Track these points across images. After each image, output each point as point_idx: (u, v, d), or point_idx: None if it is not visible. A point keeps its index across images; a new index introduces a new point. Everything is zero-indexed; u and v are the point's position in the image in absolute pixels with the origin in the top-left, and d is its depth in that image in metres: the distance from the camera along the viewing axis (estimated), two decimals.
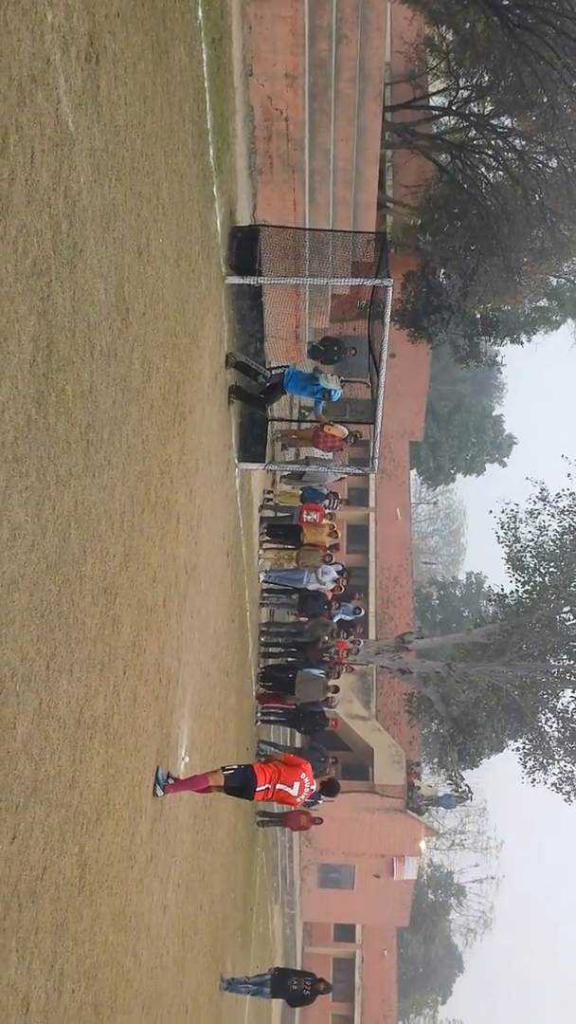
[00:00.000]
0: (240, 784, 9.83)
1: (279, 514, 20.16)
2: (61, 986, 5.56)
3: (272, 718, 21.55)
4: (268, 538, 19.86)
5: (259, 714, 20.47)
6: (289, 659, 20.92)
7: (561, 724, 29.07)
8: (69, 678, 5.51)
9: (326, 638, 19.59)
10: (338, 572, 20.00)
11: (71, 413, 5.31)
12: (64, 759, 5.46)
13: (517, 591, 29.96)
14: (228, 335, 13.32)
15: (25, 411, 4.58)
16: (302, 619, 20.76)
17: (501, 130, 29.66)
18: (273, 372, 15.56)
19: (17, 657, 4.62)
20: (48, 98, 4.78)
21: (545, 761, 29.23)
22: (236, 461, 15.23)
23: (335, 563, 20.03)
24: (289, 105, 14.96)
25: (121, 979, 7.24)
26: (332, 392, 15.86)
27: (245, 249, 13.48)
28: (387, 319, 13.89)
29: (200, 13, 9.65)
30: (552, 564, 29.04)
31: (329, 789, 11.75)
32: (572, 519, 29.26)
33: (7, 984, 4.66)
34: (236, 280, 13.23)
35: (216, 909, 14.42)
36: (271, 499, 20.42)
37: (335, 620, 20.66)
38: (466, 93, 31.37)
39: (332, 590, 20.47)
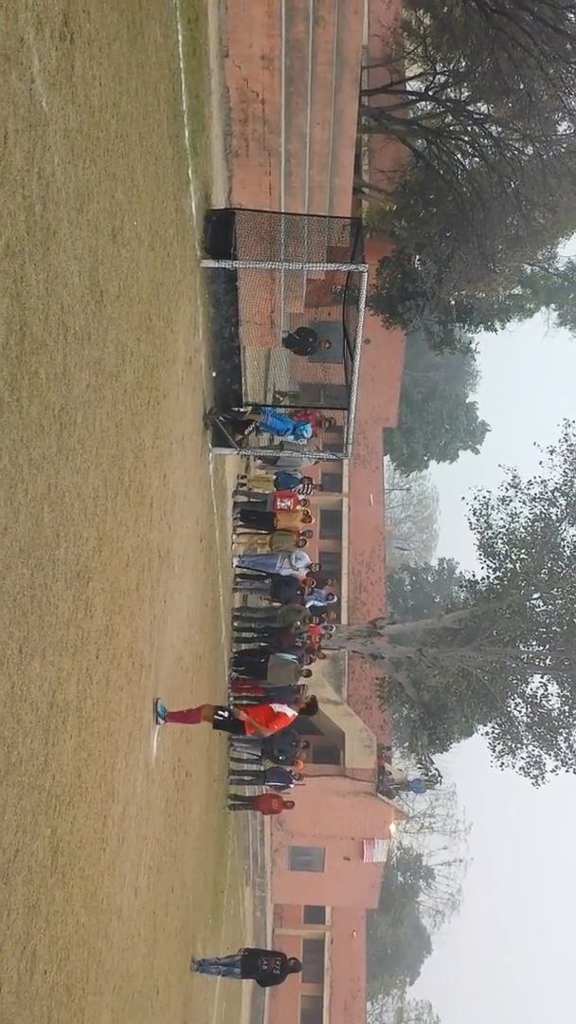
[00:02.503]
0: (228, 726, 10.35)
1: (253, 500, 20.15)
2: (33, 967, 5.58)
3: (244, 703, 21.58)
4: (241, 523, 19.85)
5: (231, 700, 20.51)
6: (262, 644, 20.94)
7: (529, 709, 29.31)
8: (42, 662, 5.50)
9: (298, 624, 19.62)
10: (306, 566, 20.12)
11: (44, 396, 5.29)
12: (37, 742, 5.46)
13: (488, 577, 30.12)
14: (203, 319, 13.28)
15: None
16: (275, 604, 20.78)
17: (477, 116, 29.67)
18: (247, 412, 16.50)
19: None
20: (21, 78, 4.74)
21: (513, 745, 29.47)
22: (210, 446, 15.21)
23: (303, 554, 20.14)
24: (265, 87, 14.87)
25: (93, 960, 7.27)
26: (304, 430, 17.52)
27: (220, 232, 13.42)
28: (362, 305, 13.89)
29: None
30: (523, 551, 29.21)
31: (310, 709, 12.09)
32: (543, 506, 29.43)
33: None
34: (211, 264, 13.18)
35: (187, 892, 14.48)
36: (245, 484, 20.40)
37: (307, 606, 20.70)
38: (443, 78, 31.35)
39: (305, 577, 20.52)
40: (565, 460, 29.32)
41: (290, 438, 17.49)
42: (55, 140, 5.34)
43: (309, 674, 21.82)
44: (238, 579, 20.69)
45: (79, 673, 6.46)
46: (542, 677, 29.05)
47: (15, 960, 5.24)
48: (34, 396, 5.09)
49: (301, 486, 18.96)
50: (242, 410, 16.20)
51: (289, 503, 19.15)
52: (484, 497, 30.80)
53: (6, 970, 5.10)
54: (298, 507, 19.43)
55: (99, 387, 6.66)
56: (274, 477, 18.94)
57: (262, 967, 16.86)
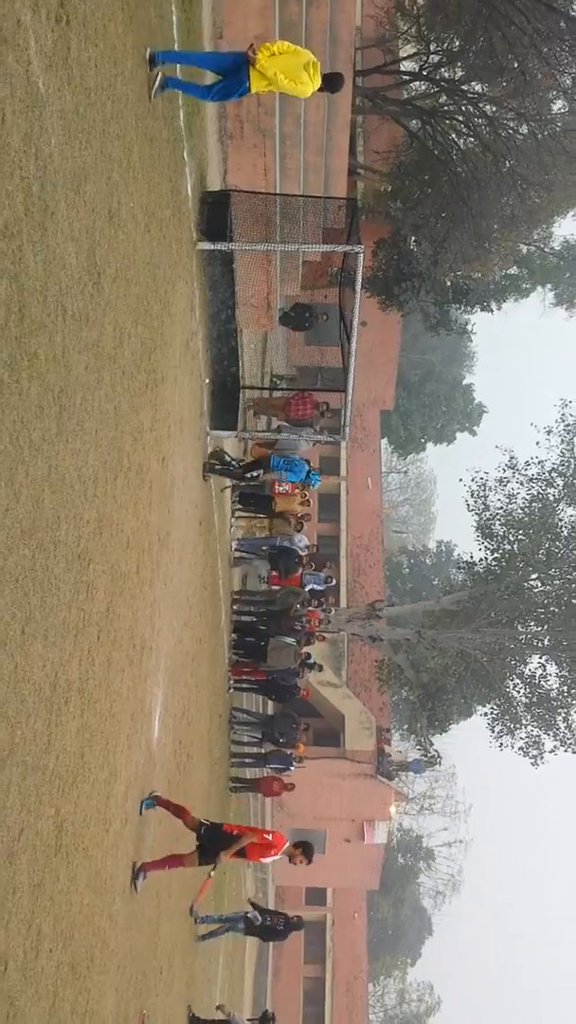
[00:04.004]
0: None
1: (251, 483, 20.15)
2: (39, 945, 5.63)
3: (245, 687, 21.69)
4: (240, 506, 19.87)
5: (232, 682, 20.60)
6: (261, 627, 21.01)
7: (528, 690, 29.42)
8: (44, 643, 5.53)
9: (298, 606, 19.70)
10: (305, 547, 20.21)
11: (43, 377, 5.30)
12: (40, 723, 5.50)
13: (486, 559, 30.20)
14: (200, 302, 13.26)
15: None
16: (274, 588, 20.81)
17: (472, 96, 29.54)
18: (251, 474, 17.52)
19: None
20: (19, 59, 4.73)
21: (512, 726, 29.61)
22: (208, 429, 15.21)
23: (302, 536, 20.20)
24: None
25: (97, 939, 7.33)
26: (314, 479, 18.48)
27: (216, 214, 13.38)
28: (358, 286, 13.86)
29: None
30: (521, 532, 29.28)
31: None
32: (541, 487, 29.48)
33: None
34: (207, 246, 13.14)
35: (189, 873, 14.55)
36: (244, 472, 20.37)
37: (306, 589, 20.75)
38: (437, 58, 31.19)
39: (304, 557, 20.58)
40: (562, 440, 29.37)
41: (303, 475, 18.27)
42: (52, 121, 5.34)
43: (309, 657, 21.95)
44: (237, 552, 20.68)
45: (81, 654, 6.49)
46: (540, 657, 29.16)
47: (21, 938, 5.29)
48: (33, 377, 5.10)
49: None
50: (250, 475, 17.43)
51: (287, 486, 19.15)
52: (482, 478, 30.87)
53: (12, 948, 5.15)
54: (296, 490, 19.44)
55: (98, 369, 6.67)
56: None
57: (265, 922, 17.01)
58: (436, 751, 32.15)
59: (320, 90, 9.57)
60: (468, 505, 31.00)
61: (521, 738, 29.59)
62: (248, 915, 16.75)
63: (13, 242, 4.74)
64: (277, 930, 16.92)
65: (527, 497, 29.76)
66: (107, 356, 7.00)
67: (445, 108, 31.22)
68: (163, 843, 10.78)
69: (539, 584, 29.35)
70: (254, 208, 14.38)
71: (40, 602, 5.40)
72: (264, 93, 9.48)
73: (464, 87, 30.11)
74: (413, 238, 31.52)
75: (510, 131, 27.60)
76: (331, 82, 9.74)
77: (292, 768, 21.98)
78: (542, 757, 29.56)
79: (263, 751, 22.03)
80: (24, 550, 5.06)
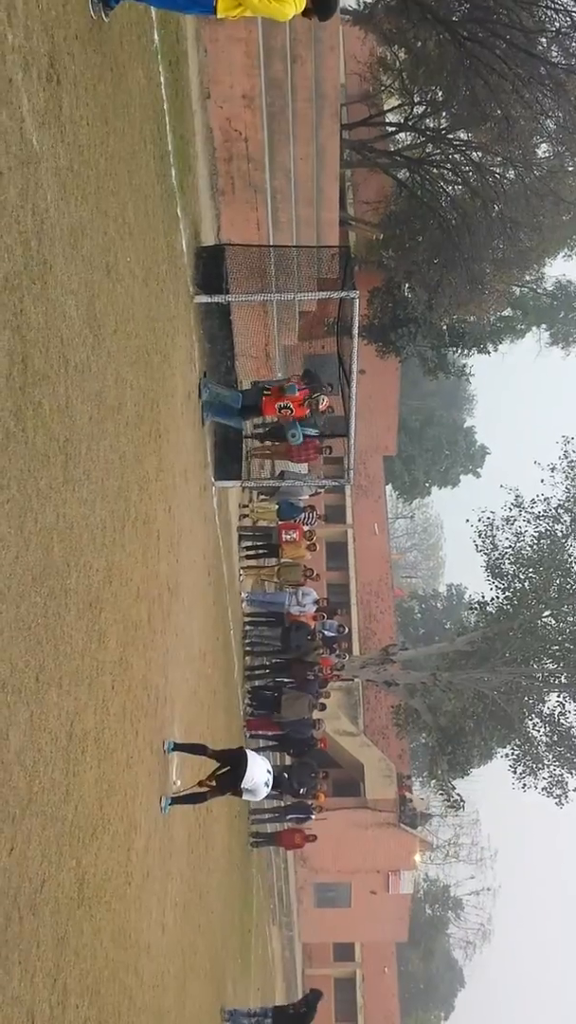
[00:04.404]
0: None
1: (257, 534, 20.20)
2: (65, 1000, 5.55)
3: (261, 743, 21.51)
4: (248, 552, 19.91)
5: (247, 737, 20.44)
6: (276, 679, 20.93)
7: (548, 728, 29.17)
8: (58, 691, 5.53)
9: (317, 652, 19.72)
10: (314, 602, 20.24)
11: (49, 427, 5.36)
12: (57, 772, 5.47)
13: (498, 598, 30.11)
14: (199, 354, 13.41)
15: (3, 424, 4.63)
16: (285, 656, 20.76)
17: (457, 144, 30.08)
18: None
19: (7, 669, 4.64)
20: (12, 116, 4.85)
21: (535, 766, 29.30)
22: (212, 479, 15.28)
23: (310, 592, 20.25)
24: (248, 126, 15.12)
25: (124, 996, 7.22)
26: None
27: (211, 268, 13.59)
28: (355, 331, 14.03)
29: (156, 36, 9.78)
30: (531, 569, 29.23)
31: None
32: (548, 524, 29.49)
33: (12, 997, 4.66)
34: (204, 299, 13.33)
35: (215, 930, 14.35)
36: (247, 514, 20.45)
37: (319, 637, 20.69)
38: (421, 109, 31.82)
39: (314, 613, 20.57)
40: (566, 477, 29.44)
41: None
42: (47, 178, 5.46)
43: (324, 707, 21.80)
44: (247, 627, 20.65)
45: (95, 704, 6.48)
46: (559, 695, 28.93)
47: (47, 992, 5.22)
48: (39, 427, 5.16)
49: (304, 515, 19.02)
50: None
51: (295, 535, 19.20)
52: (488, 518, 30.88)
53: (38, 1003, 5.07)
54: (303, 539, 19.48)
55: (101, 419, 6.74)
56: (276, 507, 19.00)
57: (289, 1012, 16.89)
58: (459, 795, 31.76)
59: (305, 15, 7.40)
60: (476, 545, 30.99)
61: (544, 778, 29.26)
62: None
63: (14, 295, 4.83)
64: (302, 1013, 16.76)
65: (535, 534, 29.76)
66: (110, 407, 7.07)
67: (432, 157, 31.79)
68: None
69: (552, 621, 29.21)
70: (249, 260, 14.59)
71: (53, 650, 5.41)
72: (235, 19, 7.13)
73: (450, 136, 30.69)
74: (407, 284, 31.92)
75: (497, 176, 28.07)
76: (322, 4, 7.21)
77: (312, 819, 21.71)
78: (566, 796, 29.19)
79: (282, 804, 21.78)
80: (36, 597, 5.08)
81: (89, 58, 6.63)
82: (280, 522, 19.19)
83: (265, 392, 14.93)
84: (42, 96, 5.40)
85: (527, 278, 38.92)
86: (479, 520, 30.93)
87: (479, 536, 30.86)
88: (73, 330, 5.99)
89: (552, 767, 29.06)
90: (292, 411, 14.99)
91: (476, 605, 31.76)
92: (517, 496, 30.23)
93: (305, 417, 15.46)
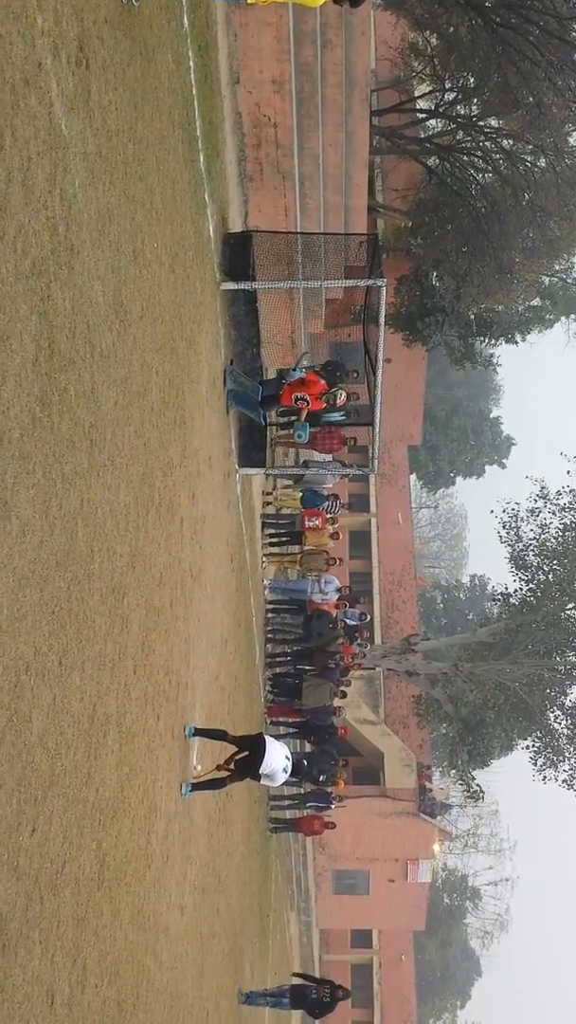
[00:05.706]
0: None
1: (280, 521, 20.22)
2: (84, 980, 5.60)
3: (281, 730, 21.55)
4: (271, 539, 19.93)
5: (268, 724, 20.49)
6: (297, 666, 20.97)
7: (570, 721, 29.07)
8: (81, 675, 5.56)
9: (339, 641, 19.73)
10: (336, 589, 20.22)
11: (74, 412, 5.38)
12: (79, 755, 5.52)
13: (521, 589, 30.01)
14: (224, 341, 13.41)
15: (30, 409, 4.65)
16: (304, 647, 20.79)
17: (488, 131, 29.82)
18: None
19: (31, 651, 4.68)
20: (41, 101, 4.86)
21: (556, 758, 29.21)
22: (236, 467, 15.29)
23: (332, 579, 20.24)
24: (277, 111, 15.06)
25: (143, 977, 7.28)
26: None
27: (238, 255, 13.57)
28: (381, 319, 13.96)
29: (186, 21, 9.75)
30: (555, 561, 29.09)
31: None
32: (573, 516, 29.31)
33: (32, 975, 4.71)
34: (231, 286, 13.32)
35: (233, 914, 14.43)
36: (270, 501, 20.48)
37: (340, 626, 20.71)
38: (452, 96, 31.56)
39: (337, 601, 20.57)
40: None
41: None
42: (75, 163, 5.46)
43: (344, 695, 21.82)
44: (269, 615, 20.68)
45: (118, 688, 6.52)
46: None
47: (66, 972, 5.27)
48: (64, 412, 5.18)
49: (328, 503, 19.01)
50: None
51: (318, 522, 19.20)
52: (513, 509, 30.74)
53: (58, 982, 5.13)
54: (327, 526, 19.48)
55: (126, 405, 6.76)
56: (300, 494, 19.00)
57: (311, 996, 16.69)
58: (479, 786, 31.73)
59: (336, 1, 7.86)
60: (500, 537, 30.87)
61: (565, 770, 29.17)
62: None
63: (41, 280, 4.84)
64: (324, 1003, 16.61)
65: (560, 526, 29.60)
66: (135, 392, 7.09)
67: (462, 144, 31.54)
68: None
69: None
70: (276, 247, 14.56)
71: (76, 634, 5.44)
72: (266, 4, 7.84)
73: (481, 123, 30.43)
74: (435, 273, 31.73)
75: (528, 164, 27.83)
76: None
77: (332, 806, 21.76)
78: None
79: (302, 791, 21.85)
80: (59, 582, 5.11)
81: (118, 43, 6.62)
82: (303, 509, 19.20)
83: (285, 381, 14.93)
84: (71, 81, 5.40)
85: (556, 267, 38.59)
86: (503, 511, 30.82)
87: (503, 527, 30.74)
88: (99, 316, 6.01)
89: (573, 760, 28.96)
90: (308, 403, 14.89)
91: (499, 596, 31.68)
92: (542, 487, 30.10)
93: (323, 411, 15.43)
